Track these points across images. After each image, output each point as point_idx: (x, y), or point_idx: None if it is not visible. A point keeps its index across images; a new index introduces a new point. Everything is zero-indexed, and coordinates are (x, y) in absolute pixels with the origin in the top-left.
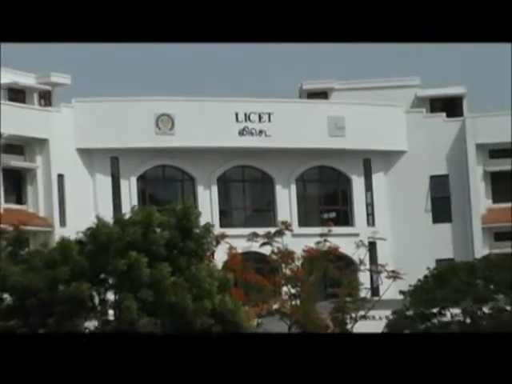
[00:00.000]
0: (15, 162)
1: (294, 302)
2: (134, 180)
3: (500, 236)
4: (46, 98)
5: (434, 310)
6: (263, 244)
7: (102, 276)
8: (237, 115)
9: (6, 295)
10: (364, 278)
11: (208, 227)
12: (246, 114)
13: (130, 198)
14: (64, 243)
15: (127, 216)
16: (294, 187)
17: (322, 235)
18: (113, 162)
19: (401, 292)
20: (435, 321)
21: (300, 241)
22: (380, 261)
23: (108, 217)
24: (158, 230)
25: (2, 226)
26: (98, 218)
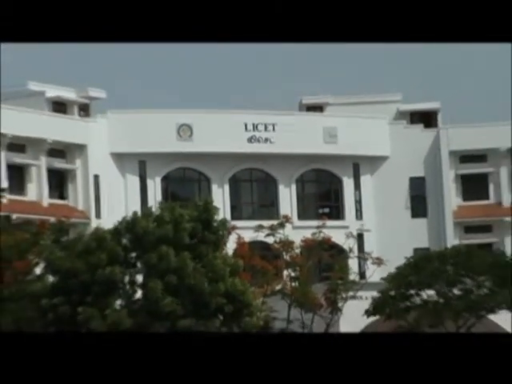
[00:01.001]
0: (58, 164)
1: (293, 284)
2: (158, 180)
3: (469, 229)
4: (84, 110)
5: (412, 292)
6: (268, 235)
7: (133, 261)
8: (246, 125)
9: (50, 276)
10: (353, 263)
11: (224, 221)
12: (253, 125)
13: (154, 195)
14: (99, 233)
15: (154, 210)
16: (294, 187)
17: (317, 227)
18: (141, 164)
19: (382, 278)
20: (413, 300)
21: (299, 232)
22: (366, 249)
23: (137, 211)
24: (188, 224)
25: (47, 217)
26: (134, 213)
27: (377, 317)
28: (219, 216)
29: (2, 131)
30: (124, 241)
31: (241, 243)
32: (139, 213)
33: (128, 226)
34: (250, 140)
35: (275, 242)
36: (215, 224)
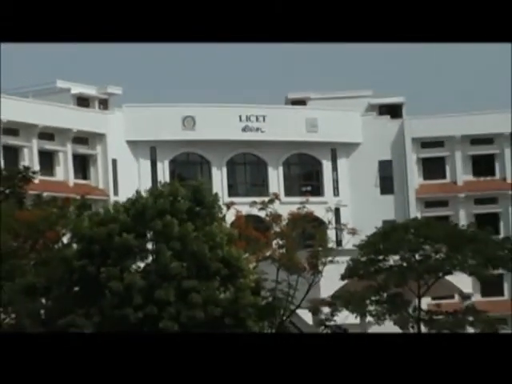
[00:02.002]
0: (82, 149)
1: (281, 251)
2: (166, 163)
3: (429, 204)
4: (103, 104)
5: (381, 257)
6: (260, 209)
7: (142, 231)
8: (240, 117)
9: (75, 244)
10: (331, 233)
11: (216, 197)
12: (247, 116)
13: (163, 176)
14: (116, 208)
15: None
16: (281, 168)
17: (301, 203)
18: (151, 150)
19: (355, 245)
20: (381, 264)
21: (286, 207)
22: (342, 221)
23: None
24: (182, 200)
25: (72, 195)
26: (137, 191)
27: (350, 279)
28: (212, 195)
29: (35, 122)
30: (131, 214)
31: (237, 216)
32: (142, 191)
33: (132, 202)
34: (243, 129)
35: (266, 215)
36: (210, 199)
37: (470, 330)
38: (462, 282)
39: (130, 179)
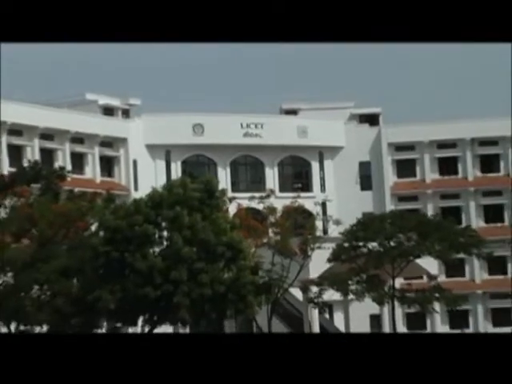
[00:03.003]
0: (107, 152)
1: (276, 238)
2: (179, 164)
3: (401, 199)
4: (125, 113)
5: (361, 244)
6: (258, 203)
7: (159, 220)
8: (241, 124)
9: (102, 232)
10: (319, 224)
11: (223, 191)
12: (247, 124)
13: (176, 174)
14: (136, 201)
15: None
16: (276, 168)
17: (293, 198)
18: (166, 152)
19: (340, 233)
20: (361, 249)
21: (280, 201)
22: (328, 213)
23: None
24: (194, 191)
25: (99, 190)
26: (152, 187)
27: (335, 262)
28: (220, 188)
29: (68, 129)
30: (149, 206)
31: (239, 208)
32: (158, 187)
33: (151, 196)
34: (244, 135)
35: (263, 208)
36: (217, 193)
37: (436, 305)
38: (430, 264)
39: (147, 177)
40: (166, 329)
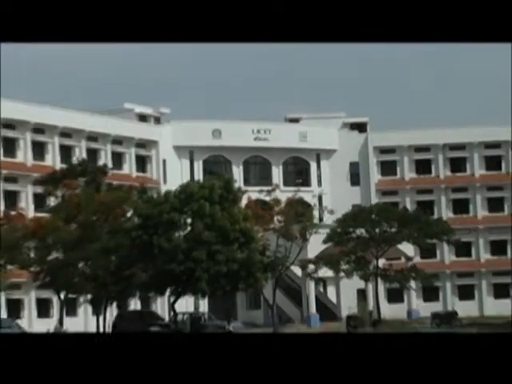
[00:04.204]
0: (141, 152)
1: (280, 224)
2: (200, 162)
3: (384, 193)
4: (157, 120)
5: (350, 230)
6: (266, 195)
7: (185, 209)
8: (253, 130)
9: (135, 218)
10: (316, 213)
11: (239, 188)
12: (257, 130)
13: (198, 171)
14: (166, 194)
15: (199, 180)
16: (281, 167)
17: (295, 191)
18: (190, 152)
19: (333, 221)
20: (351, 235)
21: (284, 194)
22: (324, 204)
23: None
24: (217, 189)
25: (134, 183)
26: (187, 182)
27: (329, 245)
28: (236, 185)
29: (109, 132)
30: (180, 198)
31: (250, 200)
32: (189, 182)
33: (183, 189)
34: (255, 139)
35: (270, 199)
36: (235, 189)
37: (412, 282)
38: (407, 248)
39: (174, 173)
40: (187, 299)
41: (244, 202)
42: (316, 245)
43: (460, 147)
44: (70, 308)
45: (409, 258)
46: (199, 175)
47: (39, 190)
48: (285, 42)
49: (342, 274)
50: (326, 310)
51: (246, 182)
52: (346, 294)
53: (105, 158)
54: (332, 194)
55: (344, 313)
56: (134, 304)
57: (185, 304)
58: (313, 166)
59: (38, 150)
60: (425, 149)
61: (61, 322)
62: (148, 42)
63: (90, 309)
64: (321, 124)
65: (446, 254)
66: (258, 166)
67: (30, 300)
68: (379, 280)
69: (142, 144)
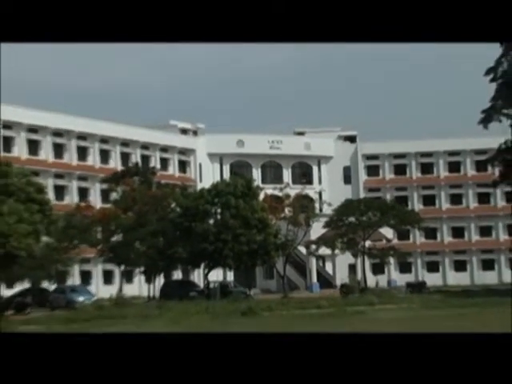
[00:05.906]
0: (183, 158)
1: (290, 214)
2: (228, 166)
3: (370, 190)
4: (195, 133)
5: (344, 218)
6: (278, 191)
7: (216, 202)
8: (268, 141)
9: (178, 209)
10: (317, 205)
11: (258, 186)
12: (272, 141)
13: (226, 173)
14: (201, 190)
15: (227, 179)
16: (290, 169)
17: (301, 188)
18: (220, 158)
19: (332, 210)
20: (344, 222)
21: (293, 190)
22: (324, 198)
23: (218, 180)
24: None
25: (177, 182)
26: (216, 181)
27: (327, 229)
28: (255, 183)
29: (157, 142)
30: (211, 194)
31: (266, 195)
32: (218, 181)
33: (214, 187)
34: (270, 148)
35: (282, 194)
36: (253, 187)
37: (391, 259)
38: (387, 232)
39: (208, 174)
40: (217, 271)
41: (261, 196)
42: (317, 229)
43: (428, 155)
44: (127, 277)
45: (388, 240)
46: (227, 176)
47: (104, 186)
48: (285, 42)
49: (337, 251)
50: (325, 280)
51: (263, 181)
52: (340, 267)
53: (154, 163)
54: (329, 191)
55: (338, 282)
56: (177, 275)
57: (216, 275)
58: (315, 169)
59: (104, 156)
60: (401, 156)
61: (121, 288)
62: (148, 42)
63: (142, 278)
64: (321, 136)
65: (417, 237)
66: (272, 168)
67: (97, 271)
68: (365, 257)
69: (183, 152)
